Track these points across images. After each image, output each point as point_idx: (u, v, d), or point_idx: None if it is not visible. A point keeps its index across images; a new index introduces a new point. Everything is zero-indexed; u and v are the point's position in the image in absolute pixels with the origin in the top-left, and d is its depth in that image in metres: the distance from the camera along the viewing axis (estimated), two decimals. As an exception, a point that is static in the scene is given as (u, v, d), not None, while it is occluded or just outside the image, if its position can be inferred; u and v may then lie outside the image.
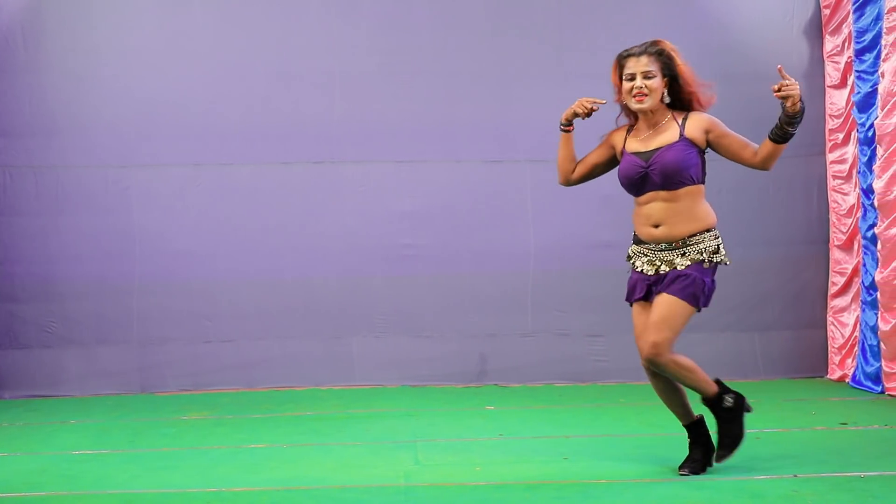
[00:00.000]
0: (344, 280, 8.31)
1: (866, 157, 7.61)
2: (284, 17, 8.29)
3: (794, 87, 4.54)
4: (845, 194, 8.12)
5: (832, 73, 8.25)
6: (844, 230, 8.09)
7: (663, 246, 4.79)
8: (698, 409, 4.89)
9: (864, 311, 7.75)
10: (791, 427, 6.15)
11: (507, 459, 5.35)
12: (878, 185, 7.30)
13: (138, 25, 8.24)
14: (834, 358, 8.22)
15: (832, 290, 8.28)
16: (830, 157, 8.30)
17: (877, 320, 7.43)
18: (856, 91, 7.79)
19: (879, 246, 7.34)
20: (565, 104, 5.01)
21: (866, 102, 7.62)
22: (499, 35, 8.35)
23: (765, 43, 8.25)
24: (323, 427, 6.54)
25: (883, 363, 7.34)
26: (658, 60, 4.77)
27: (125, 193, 8.22)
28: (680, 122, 4.81)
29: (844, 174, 8.12)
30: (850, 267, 8.04)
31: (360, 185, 8.33)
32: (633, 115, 4.91)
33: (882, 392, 7.34)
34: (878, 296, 7.37)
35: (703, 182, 4.83)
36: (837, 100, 8.19)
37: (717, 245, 4.79)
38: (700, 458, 4.87)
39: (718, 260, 4.78)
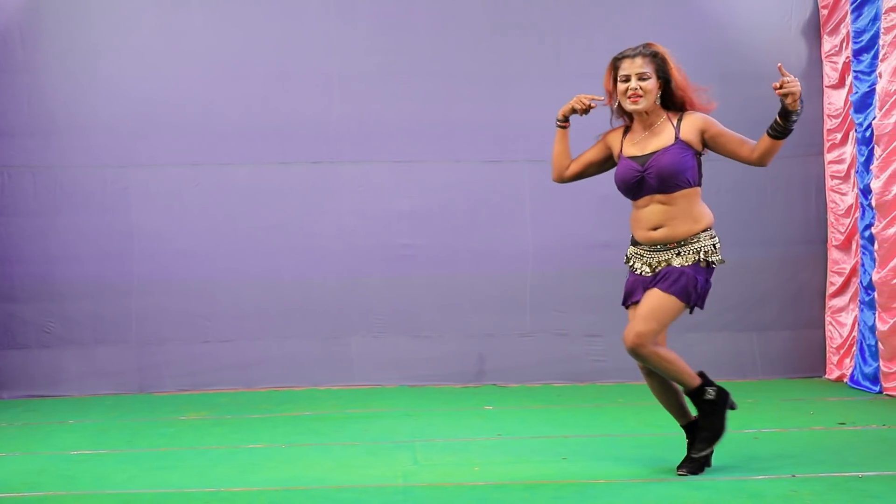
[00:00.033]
0: (342, 280, 8.31)
1: (864, 157, 7.61)
2: (283, 17, 8.29)
3: (795, 84, 4.54)
4: (843, 194, 8.12)
5: (830, 73, 8.26)
6: (842, 230, 8.10)
7: (659, 247, 4.79)
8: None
9: (862, 310, 7.75)
10: (789, 427, 6.15)
11: (506, 459, 5.34)
12: (875, 184, 7.31)
13: (137, 25, 8.23)
14: (832, 358, 8.23)
15: (830, 289, 8.29)
16: (828, 157, 8.31)
17: (875, 320, 7.43)
18: (854, 91, 7.79)
19: (877, 246, 7.34)
20: (564, 104, 5.01)
21: (864, 102, 7.62)
22: (497, 35, 8.35)
23: (763, 43, 8.25)
24: (321, 427, 6.54)
25: (881, 363, 7.34)
26: (652, 62, 4.77)
27: (124, 193, 8.21)
28: (675, 123, 4.80)
29: (842, 174, 8.12)
30: (849, 267, 8.04)
31: (358, 185, 8.33)
32: (628, 117, 4.91)
33: (880, 392, 7.34)
34: (876, 296, 7.37)
35: (699, 184, 4.82)
36: (835, 100, 8.20)
37: (713, 244, 4.79)
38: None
39: (714, 259, 4.78)
